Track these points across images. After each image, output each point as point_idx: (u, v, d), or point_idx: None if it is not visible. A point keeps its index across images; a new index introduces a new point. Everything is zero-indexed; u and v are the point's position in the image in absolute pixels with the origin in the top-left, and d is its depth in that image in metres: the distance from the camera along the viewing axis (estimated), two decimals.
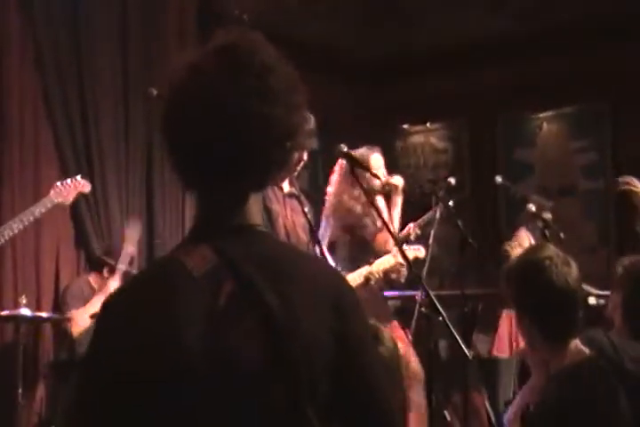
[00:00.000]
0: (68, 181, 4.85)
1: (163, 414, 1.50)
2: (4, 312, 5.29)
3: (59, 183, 4.80)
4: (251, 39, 1.61)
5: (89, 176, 6.20)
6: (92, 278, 5.87)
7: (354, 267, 4.97)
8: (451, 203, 5.29)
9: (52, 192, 4.69)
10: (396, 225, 5.21)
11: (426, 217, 5.67)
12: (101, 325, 1.60)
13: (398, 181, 5.26)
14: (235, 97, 1.54)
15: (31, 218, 4.73)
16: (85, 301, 5.67)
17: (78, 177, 4.95)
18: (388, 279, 5.15)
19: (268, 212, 4.14)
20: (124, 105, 6.55)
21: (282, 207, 4.25)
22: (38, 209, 4.63)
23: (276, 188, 4.24)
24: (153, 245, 6.59)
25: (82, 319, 5.48)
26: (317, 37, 7.78)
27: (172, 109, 1.61)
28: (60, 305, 5.80)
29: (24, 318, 5.15)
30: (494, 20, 7.65)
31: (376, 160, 5.13)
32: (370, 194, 4.37)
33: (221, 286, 1.52)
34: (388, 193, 5.25)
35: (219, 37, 1.61)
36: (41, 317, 5.44)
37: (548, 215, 6.33)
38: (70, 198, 4.81)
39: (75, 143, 6.17)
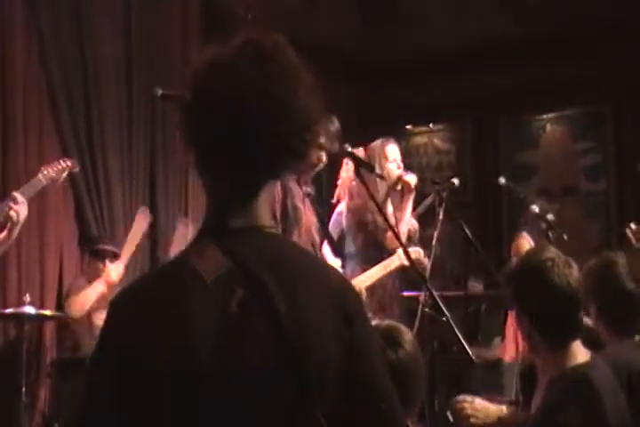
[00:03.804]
0: (55, 162, 4.84)
1: (170, 415, 1.50)
2: (8, 310, 5.30)
3: (46, 166, 4.78)
4: (274, 37, 1.62)
5: (92, 171, 6.24)
6: (87, 278, 5.89)
7: (364, 265, 4.95)
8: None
9: (39, 174, 4.68)
10: (405, 225, 5.12)
11: (423, 206, 5.67)
12: (110, 323, 1.60)
13: (412, 178, 5.11)
14: (259, 82, 1.54)
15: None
16: None
17: (65, 159, 4.95)
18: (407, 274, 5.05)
19: (295, 210, 4.13)
20: (128, 104, 6.57)
21: (302, 206, 4.25)
22: (27, 191, 4.61)
23: (298, 186, 4.23)
24: (156, 237, 6.63)
25: (80, 303, 5.51)
26: (319, 38, 7.78)
27: (196, 99, 1.60)
28: (62, 306, 5.83)
29: (28, 316, 5.16)
30: (497, 22, 7.64)
31: (392, 151, 5.13)
32: (374, 195, 4.34)
33: (233, 291, 1.51)
34: (399, 188, 5.13)
35: (238, 35, 1.61)
36: (45, 315, 5.44)
37: (550, 217, 6.31)
38: (60, 179, 4.80)
39: (78, 137, 6.19)
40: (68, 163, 4.86)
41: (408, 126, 9.31)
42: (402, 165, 5.12)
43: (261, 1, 7.10)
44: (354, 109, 8.50)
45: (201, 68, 1.60)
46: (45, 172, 4.70)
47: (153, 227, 6.59)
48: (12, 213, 4.40)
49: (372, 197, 4.23)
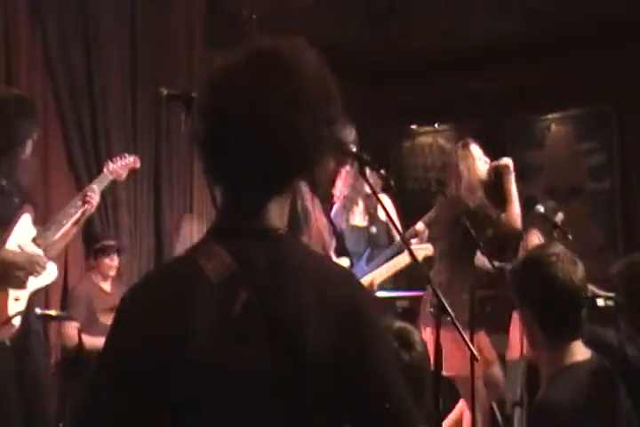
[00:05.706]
0: (119, 158, 4.84)
1: (170, 417, 1.52)
2: None
3: (110, 162, 4.80)
4: (291, 46, 1.62)
5: (97, 171, 6.24)
6: (95, 276, 5.98)
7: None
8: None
9: (104, 170, 4.70)
10: (517, 206, 5.12)
11: (431, 214, 5.64)
12: (114, 324, 1.61)
13: (506, 159, 5.17)
14: (265, 104, 1.54)
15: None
16: (89, 301, 5.73)
17: (127, 155, 4.95)
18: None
19: (305, 212, 4.11)
20: (133, 104, 6.60)
21: (312, 207, 4.24)
22: (98, 185, 4.63)
23: (307, 187, 4.22)
24: (161, 236, 6.65)
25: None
26: (320, 38, 7.78)
27: (203, 112, 1.61)
28: (67, 305, 5.84)
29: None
30: (502, 22, 7.64)
31: (476, 150, 5.16)
32: (376, 192, 4.30)
33: (238, 294, 1.53)
34: (495, 179, 5.17)
35: (256, 42, 1.62)
36: (49, 315, 5.45)
37: (560, 216, 6.28)
38: (124, 175, 4.81)
39: (82, 137, 6.23)
40: (131, 159, 4.87)
41: (413, 126, 9.31)
42: (488, 160, 5.15)
43: (264, 2, 7.11)
44: (354, 109, 8.51)
45: (208, 85, 1.61)
46: (111, 166, 4.73)
47: (158, 233, 6.66)
48: (90, 203, 4.51)
49: (375, 194, 4.21)
